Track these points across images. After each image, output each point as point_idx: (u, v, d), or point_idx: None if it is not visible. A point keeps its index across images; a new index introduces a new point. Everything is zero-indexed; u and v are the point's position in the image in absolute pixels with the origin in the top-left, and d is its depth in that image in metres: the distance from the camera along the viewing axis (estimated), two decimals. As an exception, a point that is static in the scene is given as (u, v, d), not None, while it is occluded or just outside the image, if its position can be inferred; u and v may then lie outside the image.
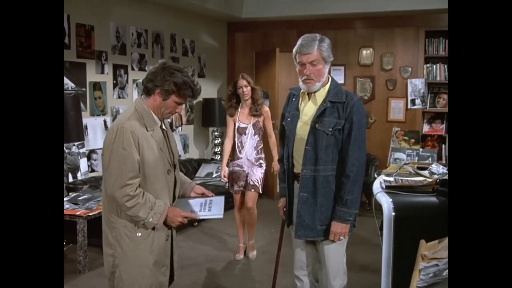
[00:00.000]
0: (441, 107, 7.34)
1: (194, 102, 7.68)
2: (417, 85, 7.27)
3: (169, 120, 7.00)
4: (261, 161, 5.05)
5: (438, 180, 4.44)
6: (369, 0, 7.19)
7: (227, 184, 5.26)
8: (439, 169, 5.19)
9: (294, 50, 2.89)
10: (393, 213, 4.06)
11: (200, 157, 7.90)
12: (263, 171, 5.07)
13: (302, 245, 3.11)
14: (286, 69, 9.73)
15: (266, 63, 7.88)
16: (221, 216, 2.71)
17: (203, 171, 7.24)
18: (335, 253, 3.01)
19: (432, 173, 5.11)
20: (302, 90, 3.00)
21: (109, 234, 2.65)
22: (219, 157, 7.78)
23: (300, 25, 7.93)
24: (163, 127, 2.75)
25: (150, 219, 2.56)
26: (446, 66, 7.25)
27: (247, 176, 5.01)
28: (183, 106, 2.76)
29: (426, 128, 7.43)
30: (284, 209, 3.19)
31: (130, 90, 6.38)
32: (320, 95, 2.93)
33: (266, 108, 5.06)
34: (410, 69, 7.45)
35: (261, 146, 5.05)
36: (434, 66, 7.31)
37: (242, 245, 5.20)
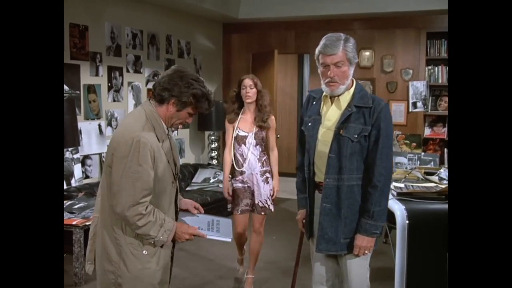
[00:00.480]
0: (443, 110, 7.22)
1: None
2: (418, 87, 7.14)
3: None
4: (267, 175, 4.33)
5: (451, 187, 4.27)
6: (368, 1, 7.05)
7: (229, 206, 4.53)
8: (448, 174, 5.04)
9: (317, 51, 2.71)
10: (407, 222, 3.90)
11: (196, 161, 7.69)
12: (271, 188, 4.35)
13: (322, 258, 2.93)
14: (282, 71, 9.59)
15: (264, 66, 7.69)
16: (230, 240, 2.60)
17: (199, 176, 7.03)
18: (359, 268, 2.82)
19: (441, 179, 4.96)
20: (324, 93, 2.82)
21: (113, 250, 2.46)
22: (216, 162, 7.58)
23: (298, 26, 7.77)
24: (168, 134, 2.59)
25: (161, 237, 2.43)
26: (448, 68, 7.12)
27: (253, 194, 4.31)
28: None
29: (427, 132, 7.30)
30: (303, 221, 3.01)
31: (125, 93, 6.16)
32: (345, 99, 2.76)
33: (272, 117, 4.36)
34: (411, 71, 7.31)
35: (265, 158, 4.35)
36: (436, 68, 7.18)
37: (241, 257, 4.64)
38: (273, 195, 4.36)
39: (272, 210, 4.37)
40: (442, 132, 7.26)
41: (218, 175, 6.93)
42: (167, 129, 2.53)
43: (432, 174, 5.19)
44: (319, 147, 2.80)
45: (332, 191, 2.75)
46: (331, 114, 2.79)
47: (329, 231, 2.77)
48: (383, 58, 7.46)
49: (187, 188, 6.75)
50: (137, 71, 6.35)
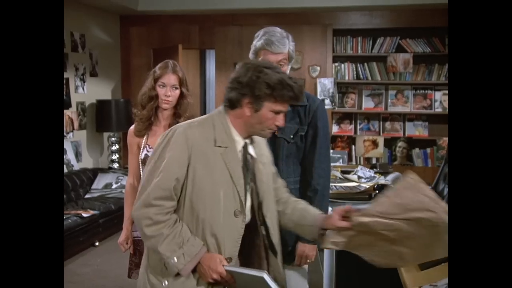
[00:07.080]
0: (349, 107, 7.25)
1: (87, 104, 6.85)
2: (326, 84, 7.08)
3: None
4: None
5: (376, 186, 4.19)
6: (274, -4, 6.88)
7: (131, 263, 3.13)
8: (366, 173, 4.97)
9: (258, 45, 2.50)
10: (336, 226, 3.74)
11: (95, 166, 7.06)
12: None
13: None
14: (184, 68, 9.17)
15: (166, 61, 7.25)
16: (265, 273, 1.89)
17: (100, 182, 6.44)
18: (300, 279, 2.64)
19: (359, 177, 4.87)
20: None
21: (141, 278, 2.11)
22: (117, 165, 7.02)
23: (202, 20, 7.40)
24: (251, 152, 2.06)
25: (174, 260, 1.90)
26: (354, 65, 7.16)
27: None
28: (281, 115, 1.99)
29: (335, 129, 7.29)
30: None
31: (11, 91, 5.43)
32: None
33: None
34: (318, 68, 7.24)
35: None
36: (342, 65, 7.19)
37: None
38: None
39: None
40: (349, 129, 7.29)
41: (121, 179, 6.40)
42: (247, 141, 2.04)
43: (348, 173, 5.12)
44: None
45: None
46: None
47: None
48: (290, 54, 7.32)
49: (86, 196, 6.14)
50: (25, 66, 5.63)
